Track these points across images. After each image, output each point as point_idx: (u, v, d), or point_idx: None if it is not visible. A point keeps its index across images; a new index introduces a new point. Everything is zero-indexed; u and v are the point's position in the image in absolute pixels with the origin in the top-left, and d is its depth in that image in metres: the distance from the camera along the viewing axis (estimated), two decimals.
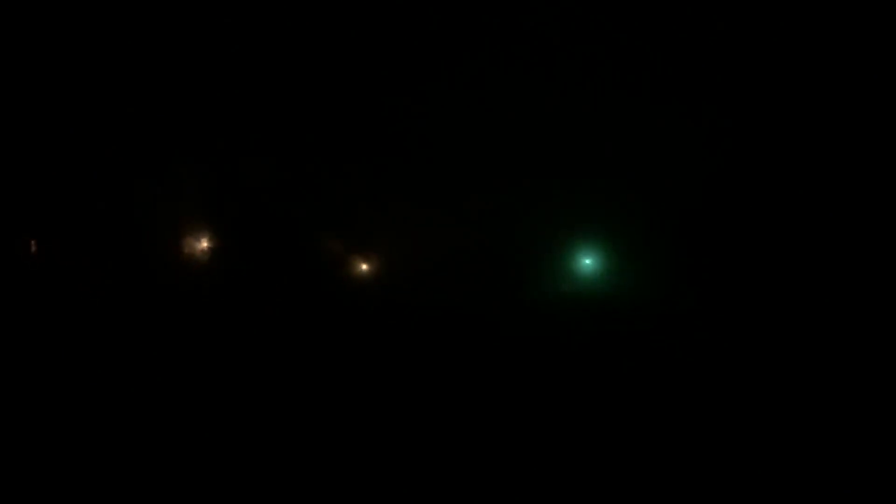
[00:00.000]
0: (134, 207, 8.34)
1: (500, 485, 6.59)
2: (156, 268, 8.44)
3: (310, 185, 8.71)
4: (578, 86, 8.38)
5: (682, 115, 8.27)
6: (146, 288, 8.36)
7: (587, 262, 8.75)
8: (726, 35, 8.01)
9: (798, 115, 8.05)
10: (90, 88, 8.14)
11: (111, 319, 8.17)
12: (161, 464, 6.65)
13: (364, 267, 9.00)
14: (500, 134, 8.60)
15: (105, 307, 8.20)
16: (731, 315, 8.12)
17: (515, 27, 8.27)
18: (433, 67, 8.45)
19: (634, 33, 8.17)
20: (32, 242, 8.13)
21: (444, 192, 8.72)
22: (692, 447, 6.96)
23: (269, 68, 8.39)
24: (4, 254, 8.04)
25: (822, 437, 6.91)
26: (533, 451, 7.01)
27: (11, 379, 7.42)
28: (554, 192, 8.70)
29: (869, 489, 6.32)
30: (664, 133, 8.36)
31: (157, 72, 8.22)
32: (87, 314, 8.12)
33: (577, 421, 7.46)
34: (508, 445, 7.09)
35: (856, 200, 7.88)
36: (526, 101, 8.49)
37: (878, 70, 7.70)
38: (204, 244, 8.57)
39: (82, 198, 8.23)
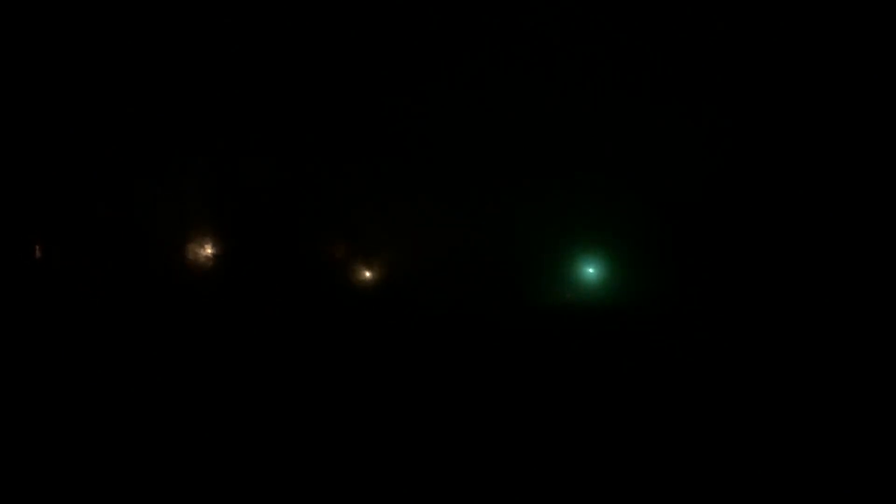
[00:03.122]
0: (134, 207, 8.34)
1: (501, 484, 6.60)
2: (156, 266, 8.44)
3: (310, 185, 8.72)
4: (578, 86, 8.39)
5: (681, 115, 8.27)
6: (147, 287, 8.37)
7: (587, 261, 8.76)
8: (726, 35, 8.02)
9: (797, 115, 8.05)
10: (90, 89, 8.14)
11: (112, 319, 8.17)
12: (161, 465, 6.66)
13: (364, 266, 9.00)
14: (500, 134, 8.61)
15: (106, 307, 8.20)
16: (731, 315, 8.12)
17: (515, 27, 8.27)
18: (433, 67, 8.45)
19: (634, 33, 8.18)
20: (33, 242, 8.13)
21: (444, 193, 8.73)
22: (692, 447, 6.96)
23: (269, 68, 8.39)
24: (5, 254, 8.05)
25: (822, 436, 6.92)
26: (534, 451, 7.02)
27: (13, 379, 7.43)
28: (554, 192, 8.72)
29: (868, 488, 6.33)
30: (664, 133, 8.37)
31: (158, 73, 8.22)
32: (88, 314, 8.13)
33: (577, 420, 7.47)
34: (510, 445, 7.09)
35: (856, 201, 7.89)
36: (526, 101, 8.50)
37: (878, 70, 7.71)
38: (204, 243, 8.57)
39: (82, 198, 8.23)
